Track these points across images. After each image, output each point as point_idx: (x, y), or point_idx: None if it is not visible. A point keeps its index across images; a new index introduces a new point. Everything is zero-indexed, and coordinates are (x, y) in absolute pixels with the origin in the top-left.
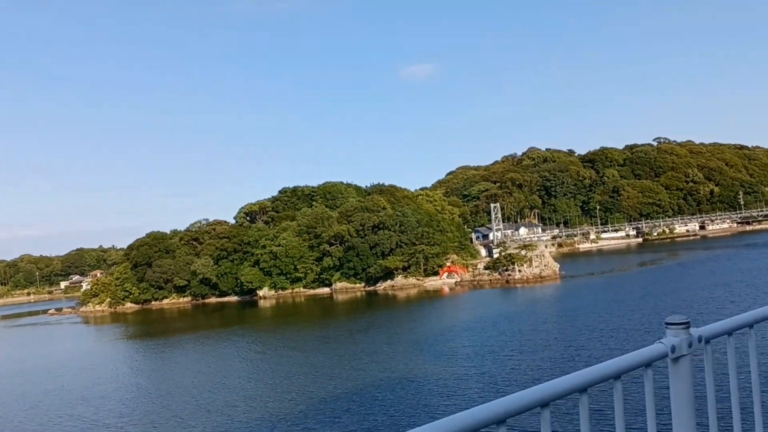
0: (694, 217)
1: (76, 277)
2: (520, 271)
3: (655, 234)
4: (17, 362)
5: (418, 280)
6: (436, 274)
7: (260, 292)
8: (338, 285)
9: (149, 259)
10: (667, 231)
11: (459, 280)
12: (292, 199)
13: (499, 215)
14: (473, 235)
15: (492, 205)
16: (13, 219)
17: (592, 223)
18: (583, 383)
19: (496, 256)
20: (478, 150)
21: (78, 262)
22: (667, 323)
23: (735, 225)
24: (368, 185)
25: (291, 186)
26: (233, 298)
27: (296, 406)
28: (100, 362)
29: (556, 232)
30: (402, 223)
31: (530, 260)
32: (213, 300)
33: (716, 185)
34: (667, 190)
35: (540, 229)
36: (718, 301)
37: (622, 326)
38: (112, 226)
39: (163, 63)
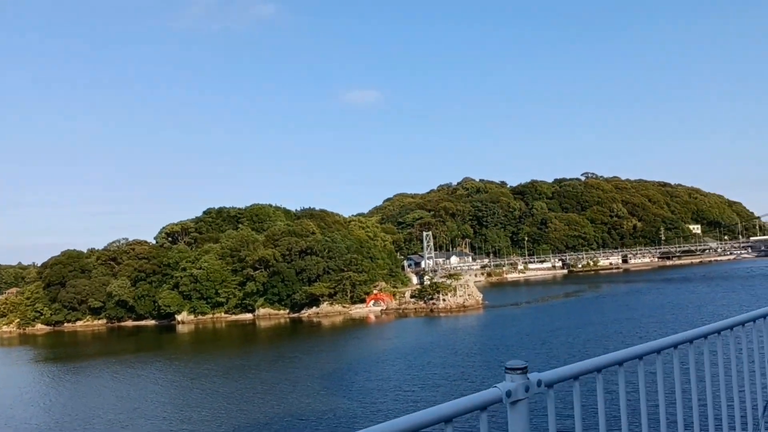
0: (617, 250)
1: None
2: (444, 300)
3: (580, 266)
4: None
5: (344, 307)
6: (363, 301)
7: (179, 317)
8: (261, 311)
9: (63, 279)
10: (592, 263)
11: (385, 308)
12: (217, 220)
13: (431, 243)
14: (405, 263)
15: (425, 233)
16: None
17: (520, 254)
18: (413, 426)
19: (426, 283)
20: (415, 178)
21: None
22: (506, 368)
23: (656, 259)
24: (298, 209)
25: (216, 207)
26: (150, 322)
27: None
28: (0, 387)
29: (486, 261)
30: (330, 248)
31: (455, 290)
32: (129, 323)
33: (639, 220)
34: (593, 224)
35: (471, 258)
36: (626, 335)
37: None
38: (32, 242)
39: (89, 74)
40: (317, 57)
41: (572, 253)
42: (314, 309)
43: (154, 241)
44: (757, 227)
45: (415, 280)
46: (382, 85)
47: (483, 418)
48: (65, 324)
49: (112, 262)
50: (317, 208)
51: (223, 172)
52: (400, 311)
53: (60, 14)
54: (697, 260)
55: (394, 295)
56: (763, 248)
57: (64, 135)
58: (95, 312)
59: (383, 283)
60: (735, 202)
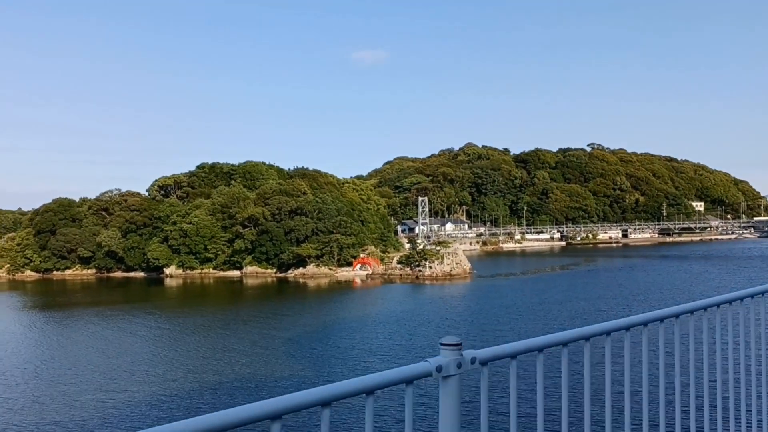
0: (617, 224)
1: None
2: (430, 267)
3: (579, 239)
4: None
5: (330, 269)
6: (350, 264)
7: (167, 270)
8: (249, 269)
9: (53, 227)
10: (591, 236)
11: (371, 272)
12: (210, 175)
13: (427, 209)
14: (399, 228)
15: (420, 198)
16: None
17: (519, 224)
18: (332, 396)
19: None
20: (417, 141)
21: None
22: (441, 344)
23: (656, 235)
24: (291, 168)
25: (210, 162)
26: (139, 274)
27: (183, 385)
28: None
29: (482, 229)
30: (320, 210)
31: (442, 257)
32: (119, 274)
33: (642, 195)
34: (595, 196)
35: (467, 225)
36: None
37: (499, 336)
38: (32, 189)
39: (92, 21)
40: (327, 11)
41: (572, 225)
42: (301, 270)
43: (146, 194)
44: (762, 207)
45: (407, 245)
46: (391, 45)
47: (408, 392)
48: (54, 272)
49: (103, 212)
50: (311, 168)
51: (221, 127)
52: (386, 276)
53: None
54: (697, 238)
55: (381, 260)
56: (766, 229)
57: (63, 78)
58: (85, 261)
59: (372, 248)
60: (741, 181)
